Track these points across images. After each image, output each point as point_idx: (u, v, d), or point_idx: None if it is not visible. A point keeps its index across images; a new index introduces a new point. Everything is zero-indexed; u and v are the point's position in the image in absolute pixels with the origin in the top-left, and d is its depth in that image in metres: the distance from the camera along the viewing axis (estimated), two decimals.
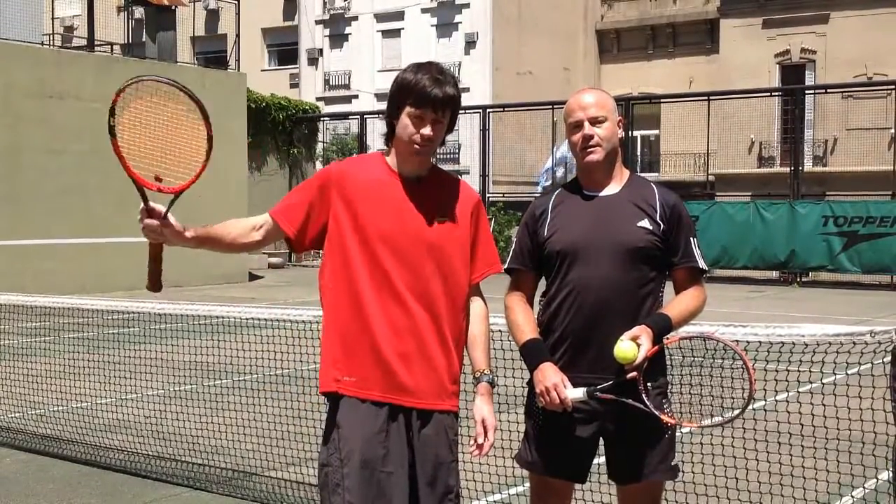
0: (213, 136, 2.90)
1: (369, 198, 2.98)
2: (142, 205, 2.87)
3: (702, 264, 3.28)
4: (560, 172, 27.74)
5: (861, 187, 24.92)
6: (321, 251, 3.08)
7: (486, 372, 3.09)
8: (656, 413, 3.08)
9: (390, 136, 3.07)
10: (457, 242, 3.05)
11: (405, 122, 2.96)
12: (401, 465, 2.92)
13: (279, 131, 27.85)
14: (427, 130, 2.95)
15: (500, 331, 4.26)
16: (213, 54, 37.75)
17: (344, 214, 2.98)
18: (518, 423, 3.57)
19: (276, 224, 3.03)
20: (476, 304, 3.15)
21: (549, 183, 28.68)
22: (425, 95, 2.92)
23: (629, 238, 3.19)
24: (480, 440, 3.03)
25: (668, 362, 3.32)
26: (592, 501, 4.66)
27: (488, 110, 27.67)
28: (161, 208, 2.88)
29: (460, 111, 3.11)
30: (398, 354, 2.94)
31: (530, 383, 3.27)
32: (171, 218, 2.88)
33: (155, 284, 2.99)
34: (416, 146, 2.96)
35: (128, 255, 20.20)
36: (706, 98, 26.41)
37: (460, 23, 37.31)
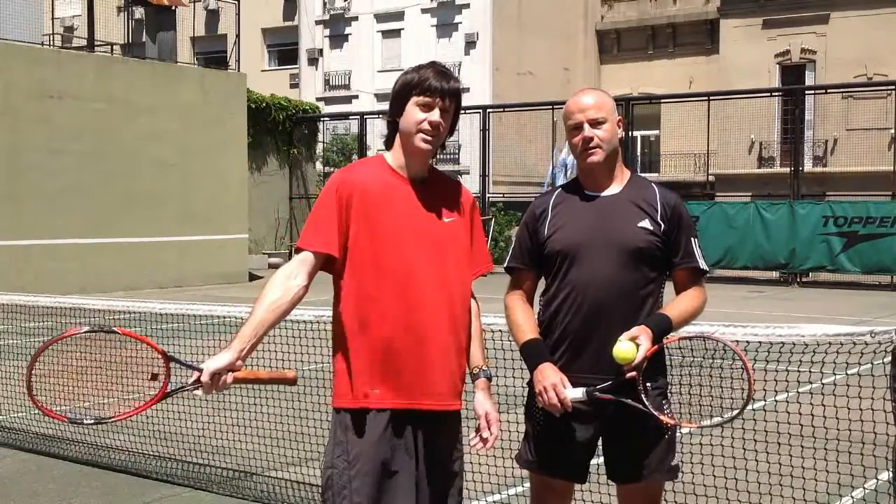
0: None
1: (385, 205, 2.95)
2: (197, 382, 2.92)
3: (702, 265, 3.28)
4: (562, 176, 27.71)
5: (861, 187, 24.90)
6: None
7: (483, 368, 3.11)
8: (655, 413, 3.08)
9: (392, 137, 3.06)
10: (462, 242, 3.07)
11: (411, 112, 2.95)
12: (407, 466, 2.92)
13: (279, 131, 27.82)
14: (435, 116, 2.94)
15: (500, 331, 4.26)
16: (213, 54, 37.74)
17: (364, 224, 2.94)
18: (518, 423, 3.57)
19: (315, 255, 2.94)
20: (472, 302, 3.15)
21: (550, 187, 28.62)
22: (432, 85, 2.94)
23: (629, 238, 3.19)
24: (486, 434, 3.03)
25: (667, 363, 3.33)
26: (592, 501, 4.67)
27: (488, 110, 27.61)
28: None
29: (460, 111, 3.11)
30: (424, 360, 2.93)
31: (530, 383, 3.27)
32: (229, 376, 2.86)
33: (286, 379, 2.90)
34: (422, 133, 2.94)
35: (128, 255, 20.22)
36: (706, 98, 26.37)
37: (460, 23, 37.34)
